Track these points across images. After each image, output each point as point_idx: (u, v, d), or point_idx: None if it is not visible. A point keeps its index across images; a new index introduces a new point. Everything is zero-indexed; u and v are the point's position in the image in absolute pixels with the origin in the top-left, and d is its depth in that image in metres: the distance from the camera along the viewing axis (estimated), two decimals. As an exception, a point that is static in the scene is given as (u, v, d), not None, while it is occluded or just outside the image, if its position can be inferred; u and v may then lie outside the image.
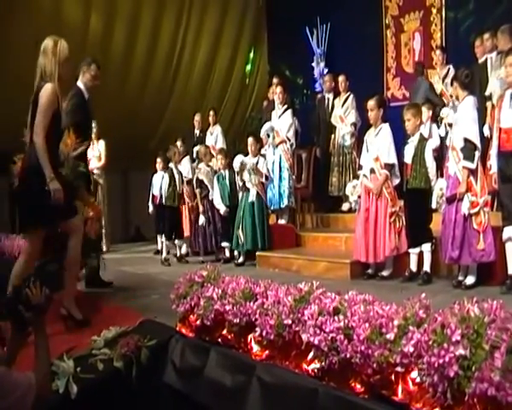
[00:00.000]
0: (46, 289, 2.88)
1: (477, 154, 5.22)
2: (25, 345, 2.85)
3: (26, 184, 4.55)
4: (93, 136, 9.89)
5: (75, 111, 5.78)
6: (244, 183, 7.79)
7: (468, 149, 5.20)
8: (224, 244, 8.13)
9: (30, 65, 10.62)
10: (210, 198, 8.29)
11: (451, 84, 6.10)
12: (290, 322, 2.93)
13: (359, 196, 6.26)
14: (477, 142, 5.23)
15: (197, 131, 10.72)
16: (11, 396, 2.49)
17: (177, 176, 8.44)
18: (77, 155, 5.27)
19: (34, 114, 4.49)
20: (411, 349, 2.33)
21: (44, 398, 2.77)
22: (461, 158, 5.23)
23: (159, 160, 9.19)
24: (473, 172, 5.20)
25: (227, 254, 8.13)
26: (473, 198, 5.14)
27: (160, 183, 8.78)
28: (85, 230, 5.22)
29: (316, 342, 2.74)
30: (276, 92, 8.84)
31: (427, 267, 5.72)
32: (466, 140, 5.21)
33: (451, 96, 6.53)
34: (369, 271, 6.24)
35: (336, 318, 2.73)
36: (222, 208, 8.01)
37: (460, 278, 5.43)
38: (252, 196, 7.67)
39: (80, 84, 6.16)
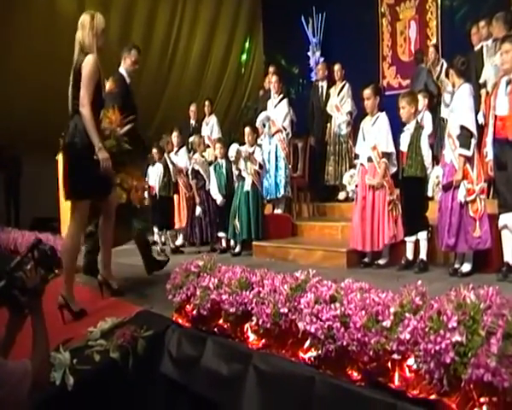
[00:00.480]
0: (41, 270, 2.86)
1: (473, 141, 5.21)
2: (22, 329, 2.83)
3: (69, 155, 4.77)
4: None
5: (118, 94, 6.02)
6: (240, 172, 7.78)
7: (465, 136, 5.19)
8: (221, 234, 8.12)
9: (23, 55, 10.65)
10: (206, 189, 8.28)
11: (446, 74, 6.09)
12: (286, 311, 2.92)
13: (357, 186, 6.25)
14: (473, 129, 5.22)
15: (193, 122, 10.71)
16: (6, 385, 2.48)
17: (170, 166, 8.42)
18: (124, 133, 5.50)
19: (76, 87, 4.67)
20: (408, 336, 2.33)
21: (42, 385, 2.76)
22: (457, 145, 5.21)
23: (155, 151, 9.20)
24: (469, 160, 5.18)
25: (223, 244, 8.12)
26: (469, 185, 5.13)
27: (156, 174, 8.80)
28: (129, 198, 5.54)
29: (312, 330, 2.73)
30: (271, 81, 8.82)
31: (423, 255, 5.71)
32: (462, 127, 5.20)
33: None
34: (366, 259, 6.23)
35: (333, 306, 2.72)
36: (219, 199, 7.98)
37: (456, 265, 5.42)
38: (247, 186, 7.64)
39: (122, 70, 6.37)
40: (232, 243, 7.97)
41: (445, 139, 5.46)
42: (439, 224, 5.43)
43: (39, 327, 2.81)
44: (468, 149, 5.15)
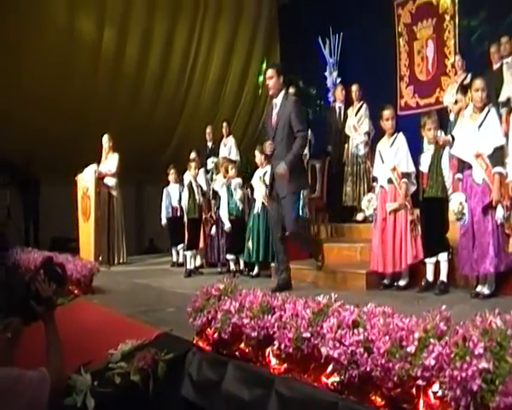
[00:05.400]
0: (53, 284, 3.02)
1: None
2: (23, 332, 2.88)
3: None
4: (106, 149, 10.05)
5: None
6: (252, 194, 7.80)
7: (500, 155, 5.19)
8: (229, 257, 8.11)
9: (40, 74, 10.78)
10: (222, 210, 8.30)
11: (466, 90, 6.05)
12: (309, 335, 2.90)
13: (375, 209, 6.22)
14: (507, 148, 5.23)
15: (209, 144, 10.76)
16: (26, 395, 2.54)
17: (195, 189, 8.43)
18: None
19: None
20: (432, 362, 2.30)
21: (60, 391, 2.81)
22: (489, 165, 5.18)
23: (172, 171, 9.27)
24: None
25: (232, 266, 8.08)
26: (506, 203, 5.13)
27: (177, 195, 8.85)
28: None
29: (335, 355, 2.71)
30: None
31: (443, 277, 5.67)
32: (497, 148, 5.18)
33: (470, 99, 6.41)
34: (385, 281, 6.20)
35: (356, 331, 2.70)
36: (226, 224, 7.99)
37: (478, 287, 5.37)
38: (257, 208, 7.66)
39: None
40: (242, 265, 7.99)
41: (472, 160, 5.36)
42: (465, 249, 5.34)
43: (53, 336, 2.92)
44: (504, 166, 5.14)
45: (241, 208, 8.01)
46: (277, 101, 6.36)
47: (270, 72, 6.32)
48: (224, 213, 8.00)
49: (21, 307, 2.84)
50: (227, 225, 7.94)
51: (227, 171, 8.37)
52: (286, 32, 14.12)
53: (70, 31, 11.45)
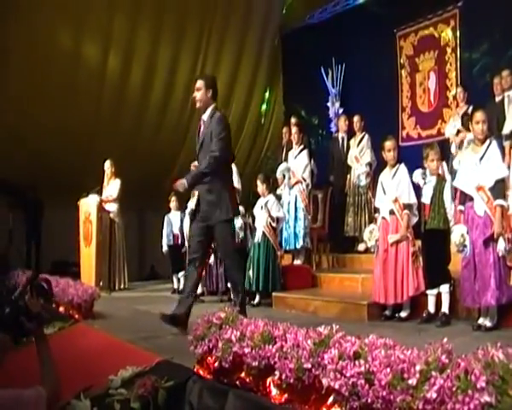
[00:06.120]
0: (41, 299, 3.07)
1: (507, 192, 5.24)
2: (11, 350, 2.87)
3: None
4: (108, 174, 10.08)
5: None
6: (253, 222, 7.80)
7: (501, 187, 5.22)
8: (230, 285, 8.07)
9: (49, 101, 10.82)
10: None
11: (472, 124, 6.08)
12: (310, 366, 2.89)
13: (377, 240, 6.22)
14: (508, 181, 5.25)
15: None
16: None
17: (197, 216, 8.46)
18: None
19: None
20: (434, 395, 2.28)
21: (56, 408, 2.81)
22: (490, 197, 5.20)
23: (173, 198, 9.28)
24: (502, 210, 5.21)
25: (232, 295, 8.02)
26: (508, 235, 5.13)
27: (178, 222, 8.83)
28: None
29: (336, 386, 2.69)
30: (292, 132, 8.90)
31: (445, 309, 5.66)
32: (499, 180, 5.21)
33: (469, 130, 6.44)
34: (387, 312, 6.19)
35: (357, 362, 2.69)
36: None
37: (480, 319, 5.36)
38: (257, 237, 7.65)
39: None
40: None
41: (473, 192, 5.39)
42: (467, 280, 5.34)
43: (45, 353, 2.91)
44: (505, 199, 5.16)
45: (241, 236, 8.00)
46: (204, 117, 5.65)
47: (198, 83, 5.61)
48: None
49: (11, 324, 2.83)
50: None
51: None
52: (289, 61, 14.21)
53: (76, 56, 11.56)
